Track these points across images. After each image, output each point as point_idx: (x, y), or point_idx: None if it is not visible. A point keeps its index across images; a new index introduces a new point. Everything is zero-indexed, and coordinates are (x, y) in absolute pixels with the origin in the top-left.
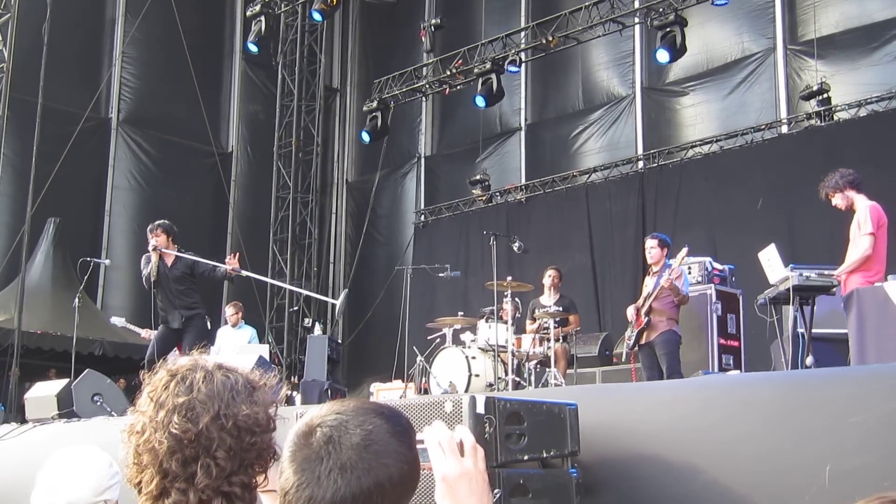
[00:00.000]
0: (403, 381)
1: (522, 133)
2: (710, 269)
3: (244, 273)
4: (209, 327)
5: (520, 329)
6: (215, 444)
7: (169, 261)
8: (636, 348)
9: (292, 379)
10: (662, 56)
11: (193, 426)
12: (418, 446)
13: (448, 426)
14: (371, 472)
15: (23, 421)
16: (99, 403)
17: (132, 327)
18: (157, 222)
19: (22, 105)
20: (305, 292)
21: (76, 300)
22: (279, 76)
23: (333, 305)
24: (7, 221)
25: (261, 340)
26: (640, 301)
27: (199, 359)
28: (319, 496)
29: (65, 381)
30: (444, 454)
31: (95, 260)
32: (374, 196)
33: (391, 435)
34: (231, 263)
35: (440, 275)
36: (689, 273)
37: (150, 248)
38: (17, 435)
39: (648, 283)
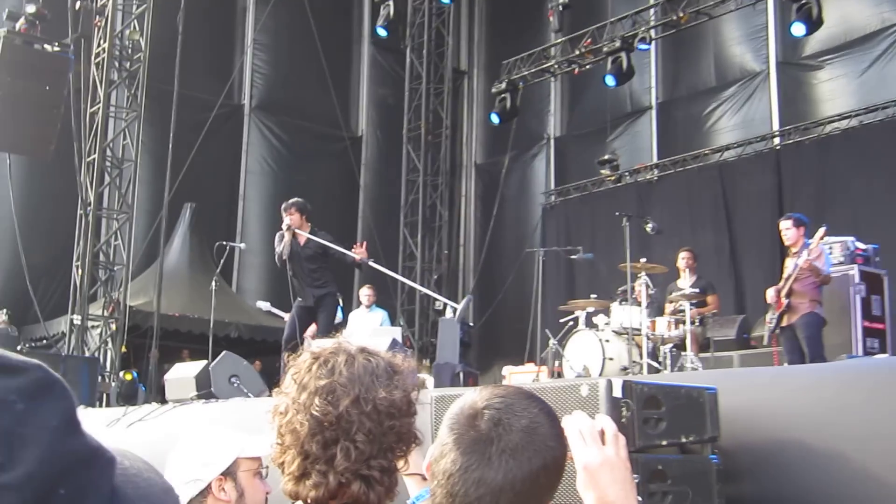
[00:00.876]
0: (536, 364)
1: (653, 112)
2: (852, 248)
3: (371, 263)
4: (341, 307)
5: (657, 312)
6: (355, 427)
7: (301, 240)
8: (777, 331)
9: (424, 362)
10: (798, 29)
11: (334, 409)
12: None
13: (584, 411)
14: (538, 455)
15: (163, 401)
16: (236, 385)
17: (277, 311)
18: (291, 201)
19: (158, 94)
20: (426, 291)
21: (213, 283)
22: (407, 60)
23: (454, 308)
24: (146, 207)
25: (392, 323)
26: (781, 283)
27: (343, 342)
28: (490, 477)
29: (203, 363)
30: (586, 442)
31: (231, 244)
32: (504, 178)
33: (550, 419)
34: (358, 252)
35: (572, 257)
36: (831, 253)
37: (283, 226)
38: (158, 415)
39: (788, 265)
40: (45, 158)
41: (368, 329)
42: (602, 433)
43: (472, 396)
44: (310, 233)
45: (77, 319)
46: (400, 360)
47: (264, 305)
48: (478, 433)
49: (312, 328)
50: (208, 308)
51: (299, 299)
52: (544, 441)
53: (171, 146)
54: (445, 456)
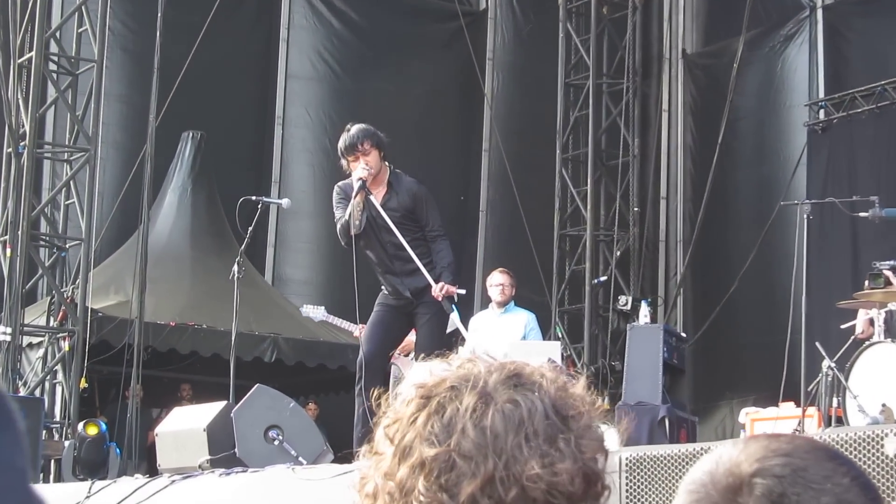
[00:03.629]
0: (799, 402)
1: None
2: None
3: (455, 291)
4: (455, 305)
5: None
6: None
7: (379, 195)
8: None
9: (600, 399)
10: None
11: (450, 499)
12: None
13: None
14: None
15: (152, 472)
16: (277, 442)
17: (338, 321)
18: (360, 129)
19: None
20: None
21: (234, 270)
22: None
23: (629, 307)
24: (118, 141)
25: (544, 333)
26: None
27: (471, 367)
28: None
29: (219, 406)
30: None
31: (265, 199)
32: (735, 78)
33: (868, 498)
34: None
35: (861, 215)
36: None
37: (351, 175)
38: (145, 498)
39: None
40: None
41: (503, 342)
42: None
43: (728, 455)
44: (392, 182)
45: (4, 333)
46: (573, 398)
47: (316, 312)
48: None
49: (409, 341)
50: (226, 313)
51: (383, 293)
52: None
53: (158, 36)
54: None
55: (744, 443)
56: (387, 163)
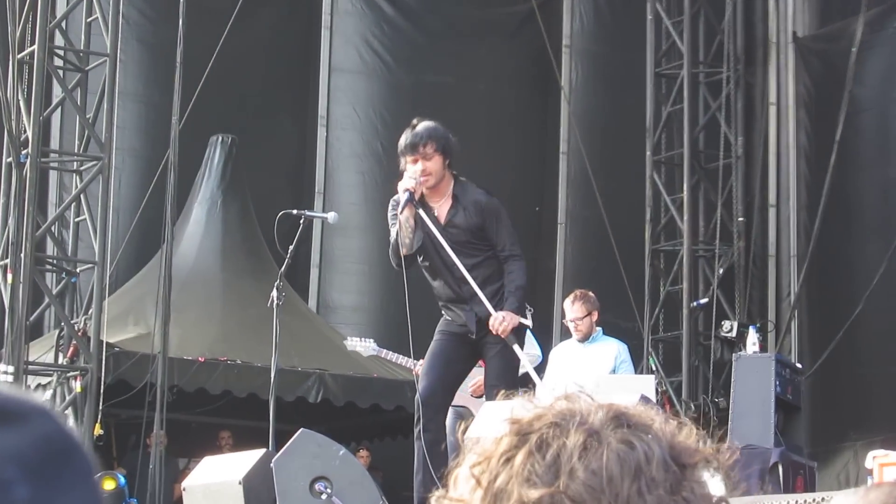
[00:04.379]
0: None
1: None
2: None
3: (519, 322)
4: (532, 331)
5: None
6: None
7: (442, 210)
8: None
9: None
10: None
11: None
12: None
13: None
14: None
15: None
16: (325, 496)
17: (391, 356)
18: (426, 127)
19: None
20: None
21: (273, 296)
22: None
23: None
24: (136, 148)
25: (636, 365)
26: None
27: (577, 401)
28: None
29: (258, 455)
30: None
31: (307, 213)
32: (854, 65)
33: None
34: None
35: None
36: None
37: (405, 182)
38: None
39: None
40: None
41: (587, 377)
42: None
43: None
44: (458, 195)
45: (4, 373)
46: (690, 444)
47: (365, 346)
48: None
49: (477, 376)
50: (264, 346)
51: (445, 319)
52: None
53: (181, 25)
54: None
55: (866, 491)
56: (454, 171)
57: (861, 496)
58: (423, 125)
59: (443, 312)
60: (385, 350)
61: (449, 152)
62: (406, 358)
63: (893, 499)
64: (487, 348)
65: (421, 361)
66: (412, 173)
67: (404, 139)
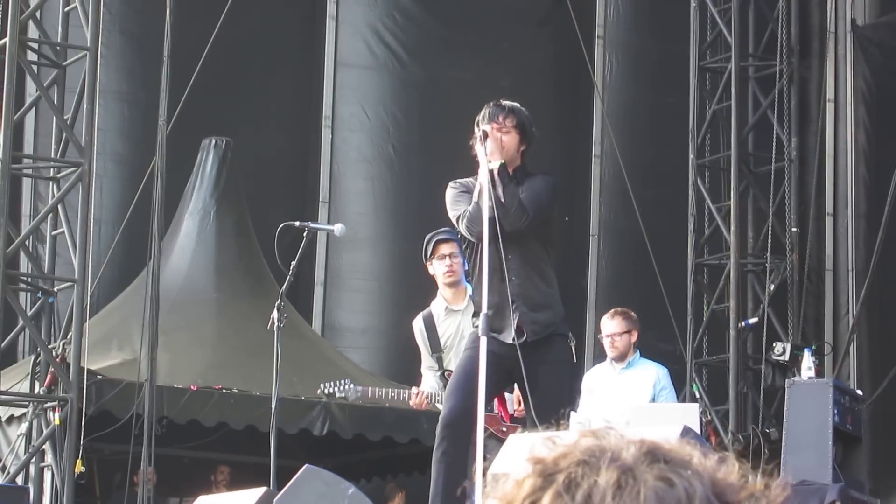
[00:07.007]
0: None
1: None
2: None
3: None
4: (574, 358)
5: None
6: None
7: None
8: None
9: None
10: None
11: None
12: None
13: None
14: None
15: None
16: None
17: (380, 392)
18: (511, 104)
19: None
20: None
21: (273, 317)
22: None
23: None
24: (119, 150)
25: (678, 391)
26: None
27: (604, 437)
28: None
29: (257, 493)
30: None
31: (311, 225)
32: None
33: None
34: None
35: None
36: None
37: (480, 147)
38: None
39: None
40: None
41: (623, 405)
42: None
43: None
44: (523, 176)
45: None
46: (735, 480)
47: (346, 390)
48: None
49: (513, 400)
50: (263, 373)
51: (473, 327)
52: None
53: (168, 15)
54: None
55: None
56: (523, 159)
57: None
58: (509, 102)
59: (476, 325)
60: (368, 388)
61: (526, 135)
62: (401, 389)
63: None
64: (528, 371)
65: (414, 389)
66: (501, 142)
67: (485, 109)
